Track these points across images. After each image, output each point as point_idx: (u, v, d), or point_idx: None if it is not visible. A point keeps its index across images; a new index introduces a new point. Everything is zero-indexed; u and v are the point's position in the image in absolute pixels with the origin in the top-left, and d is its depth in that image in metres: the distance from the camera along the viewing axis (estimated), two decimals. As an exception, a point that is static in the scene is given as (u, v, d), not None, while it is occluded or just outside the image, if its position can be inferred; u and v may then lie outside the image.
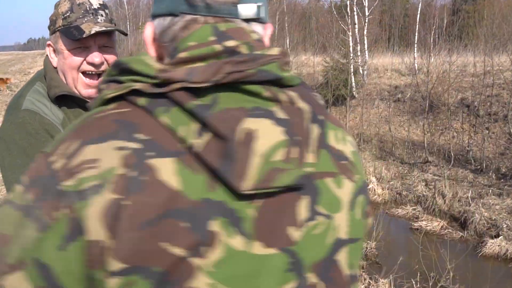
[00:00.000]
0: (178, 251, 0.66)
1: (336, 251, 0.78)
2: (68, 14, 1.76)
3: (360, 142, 17.59)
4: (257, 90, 0.73)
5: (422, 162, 15.47)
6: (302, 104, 0.76)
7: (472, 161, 14.72)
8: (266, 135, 0.71)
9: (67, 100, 1.80)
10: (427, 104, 17.72)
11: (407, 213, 12.27)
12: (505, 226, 10.42)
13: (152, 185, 0.67)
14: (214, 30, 0.76)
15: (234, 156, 0.67)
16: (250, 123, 0.70)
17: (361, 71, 23.27)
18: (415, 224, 11.55)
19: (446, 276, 8.22)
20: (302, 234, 0.73)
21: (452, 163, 14.80)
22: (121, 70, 0.75)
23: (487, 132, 15.53)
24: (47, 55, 1.86)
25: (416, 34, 24.58)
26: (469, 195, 12.10)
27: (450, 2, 34.36)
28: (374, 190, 13.53)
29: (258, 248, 0.70)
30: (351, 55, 22.59)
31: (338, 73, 21.87)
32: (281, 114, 0.74)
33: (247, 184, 0.67)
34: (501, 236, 10.11)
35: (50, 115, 1.76)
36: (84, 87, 1.78)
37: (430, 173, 14.43)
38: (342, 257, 0.78)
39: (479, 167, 14.32)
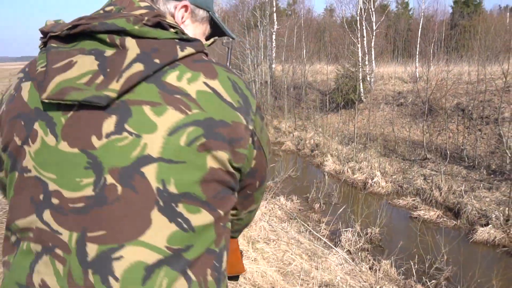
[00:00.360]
0: (17, 139, 0.91)
1: (142, 164, 0.85)
2: None
3: (366, 141, 17.55)
4: (103, 37, 0.90)
5: (421, 159, 15.38)
6: (132, 48, 0.89)
7: (466, 158, 14.62)
8: (82, 65, 0.88)
9: None
10: (426, 108, 17.55)
11: (407, 203, 12.24)
12: (494, 216, 10.32)
13: (16, 98, 0.94)
14: (111, 1, 1.00)
15: (46, 77, 0.88)
16: (76, 57, 0.89)
17: (368, 78, 23.10)
18: (414, 213, 11.53)
19: (441, 259, 8.19)
20: (104, 143, 0.86)
21: (448, 160, 14.71)
22: None
23: (480, 133, 15.36)
24: None
25: (418, 46, 24.27)
26: (463, 188, 12.02)
27: (449, 18, 33.86)
28: (379, 183, 13.49)
29: (65, 146, 0.87)
30: (360, 64, 22.43)
31: (348, 80, 21.84)
32: (108, 54, 0.89)
33: (45, 95, 0.86)
34: (490, 225, 10.05)
35: None
36: None
37: (428, 169, 14.37)
38: (149, 171, 0.85)
39: (471, 164, 14.22)
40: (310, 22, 34.54)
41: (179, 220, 0.87)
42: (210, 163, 0.90)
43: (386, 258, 8.29)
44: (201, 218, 0.90)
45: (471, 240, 9.81)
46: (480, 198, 11.53)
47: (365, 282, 6.99)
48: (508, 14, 32.96)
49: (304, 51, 27.06)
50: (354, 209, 11.09)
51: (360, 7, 23.58)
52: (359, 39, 23.30)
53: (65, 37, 0.93)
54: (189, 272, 0.88)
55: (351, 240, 9.28)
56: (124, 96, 0.87)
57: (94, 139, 0.86)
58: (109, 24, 0.89)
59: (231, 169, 0.94)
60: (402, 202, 12.38)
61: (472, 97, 16.76)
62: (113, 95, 0.85)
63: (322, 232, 9.46)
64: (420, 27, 25.11)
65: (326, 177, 13.84)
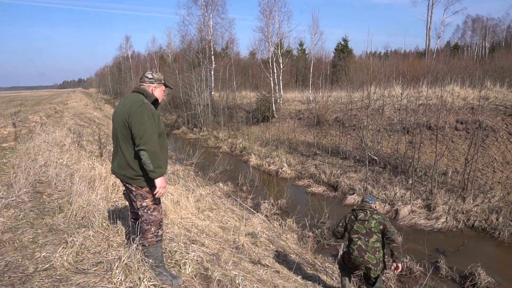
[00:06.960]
0: (352, 224, 3.87)
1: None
2: (163, 78, 2.94)
3: (278, 143, 18.11)
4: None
5: (313, 154, 16.04)
6: None
7: (341, 152, 15.47)
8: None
9: (155, 103, 2.90)
10: (315, 121, 18.52)
11: (304, 183, 12.87)
12: (357, 188, 11.28)
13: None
14: None
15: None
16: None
17: (278, 101, 23.96)
18: (308, 189, 12.14)
19: (324, 216, 8.89)
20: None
21: (330, 154, 15.53)
22: None
23: (349, 136, 16.37)
24: (145, 89, 2.89)
25: (310, 79, 25.69)
26: (339, 172, 12.92)
27: (331, 60, 35.45)
28: (286, 171, 14.00)
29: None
30: (272, 91, 23.32)
31: (264, 102, 22.47)
32: None
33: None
34: (355, 194, 10.97)
35: (151, 106, 2.76)
36: (161, 99, 2.96)
37: (318, 160, 15.11)
38: None
39: (344, 156, 15.10)
40: (238, 61, 34.68)
41: None
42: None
43: (290, 217, 8.84)
44: None
45: (343, 204, 10.61)
46: (350, 178, 12.44)
47: (275, 232, 7.61)
48: (370, 58, 35.11)
49: (234, 82, 27.53)
50: (269, 188, 11.62)
51: (272, 53, 24.59)
52: (271, 74, 24.22)
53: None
54: None
55: (267, 208, 9.70)
56: None
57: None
58: None
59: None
60: (301, 183, 12.92)
61: (345, 113, 17.89)
62: None
63: (248, 204, 9.91)
64: (312, 66, 26.53)
65: (251, 169, 14.28)
